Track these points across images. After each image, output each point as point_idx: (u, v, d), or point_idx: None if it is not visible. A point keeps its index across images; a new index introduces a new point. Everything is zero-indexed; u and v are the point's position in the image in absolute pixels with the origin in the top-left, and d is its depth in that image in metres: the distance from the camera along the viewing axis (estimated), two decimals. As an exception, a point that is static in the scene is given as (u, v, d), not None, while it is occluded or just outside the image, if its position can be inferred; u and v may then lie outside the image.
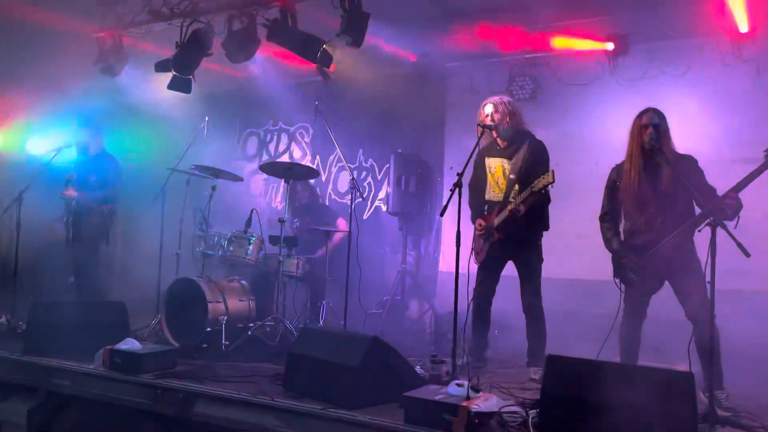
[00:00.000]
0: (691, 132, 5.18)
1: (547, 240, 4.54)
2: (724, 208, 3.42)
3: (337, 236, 6.24)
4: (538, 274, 4.45)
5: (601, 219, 4.07)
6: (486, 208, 4.57)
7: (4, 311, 5.73)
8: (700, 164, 3.84)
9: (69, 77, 6.58)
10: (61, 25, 6.47)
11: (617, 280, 3.93)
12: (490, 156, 4.60)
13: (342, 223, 6.35)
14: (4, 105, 6.73)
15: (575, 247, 5.51)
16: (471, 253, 3.97)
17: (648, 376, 2.99)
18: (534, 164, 4.37)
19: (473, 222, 4.53)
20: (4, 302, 5.90)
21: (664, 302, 3.87)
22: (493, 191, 4.55)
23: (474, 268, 4.49)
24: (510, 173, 4.45)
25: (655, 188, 3.77)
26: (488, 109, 4.48)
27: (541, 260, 4.49)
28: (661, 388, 2.85)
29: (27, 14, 6.63)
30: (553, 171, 4.04)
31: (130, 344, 4.31)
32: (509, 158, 4.49)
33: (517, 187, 4.40)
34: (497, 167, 4.55)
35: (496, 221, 4.41)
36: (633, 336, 3.91)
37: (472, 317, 4.46)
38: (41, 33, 6.67)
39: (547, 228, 4.51)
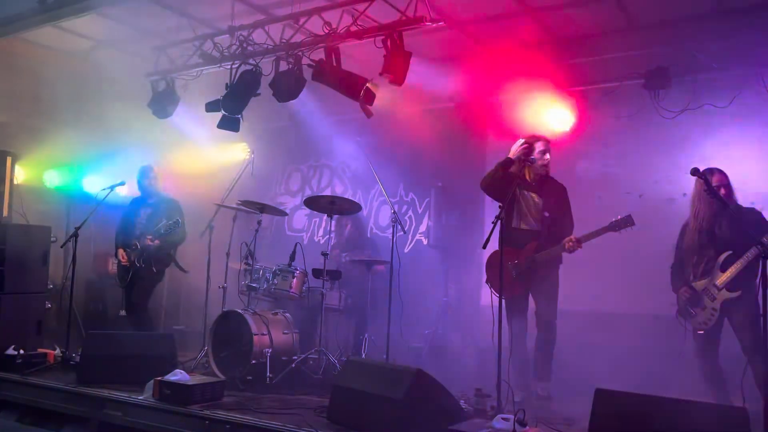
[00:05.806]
0: (735, 164, 5.14)
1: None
2: None
3: (379, 269, 6.29)
4: (556, 302, 4.59)
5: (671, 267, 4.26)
6: (515, 237, 4.57)
7: (58, 343, 5.93)
8: (748, 196, 3.83)
9: (123, 118, 6.89)
10: (116, 68, 6.84)
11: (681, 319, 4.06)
12: (520, 187, 4.67)
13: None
14: (62, 144, 7.05)
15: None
16: (500, 284, 4.03)
17: (701, 411, 2.92)
18: (566, 206, 4.63)
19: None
20: (58, 334, 6.12)
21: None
22: (524, 221, 4.63)
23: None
24: (543, 210, 4.58)
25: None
26: (542, 146, 4.64)
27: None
28: (715, 423, 2.79)
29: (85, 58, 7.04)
30: (630, 215, 4.18)
31: (179, 375, 4.41)
32: (537, 194, 4.64)
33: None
34: (528, 199, 4.66)
35: (538, 257, 4.44)
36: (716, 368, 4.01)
37: (516, 356, 4.52)
38: (97, 76, 7.04)
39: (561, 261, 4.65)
